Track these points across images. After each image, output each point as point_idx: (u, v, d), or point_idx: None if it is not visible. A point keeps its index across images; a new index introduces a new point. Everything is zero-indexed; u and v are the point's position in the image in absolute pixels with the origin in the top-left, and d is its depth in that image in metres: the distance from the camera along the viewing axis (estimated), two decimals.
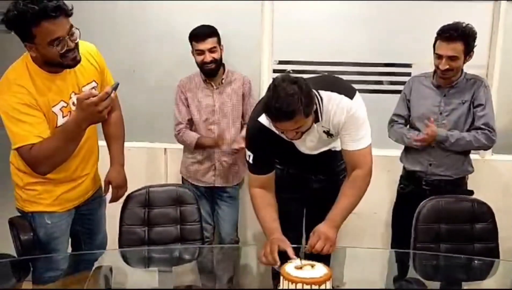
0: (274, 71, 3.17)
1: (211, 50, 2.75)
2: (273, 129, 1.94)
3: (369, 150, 2.08)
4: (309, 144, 2.11)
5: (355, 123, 2.02)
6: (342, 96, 1.99)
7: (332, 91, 1.99)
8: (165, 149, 3.29)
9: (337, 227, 2.04)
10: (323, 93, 1.99)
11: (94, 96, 1.71)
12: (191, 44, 2.80)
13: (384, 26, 3.06)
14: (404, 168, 2.75)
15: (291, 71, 3.15)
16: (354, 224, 2.59)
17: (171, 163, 3.28)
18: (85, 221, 2.28)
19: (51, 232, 2.13)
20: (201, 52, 2.76)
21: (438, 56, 2.47)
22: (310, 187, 2.35)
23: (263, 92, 3.14)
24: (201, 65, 2.79)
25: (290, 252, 1.90)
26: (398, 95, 2.80)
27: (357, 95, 2.03)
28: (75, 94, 1.99)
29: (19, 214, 2.18)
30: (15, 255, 2.15)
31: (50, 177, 2.03)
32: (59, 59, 1.84)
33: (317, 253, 1.96)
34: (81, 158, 2.12)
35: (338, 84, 2.06)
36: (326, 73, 2.98)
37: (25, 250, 2.12)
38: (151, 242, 2.45)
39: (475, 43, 2.48)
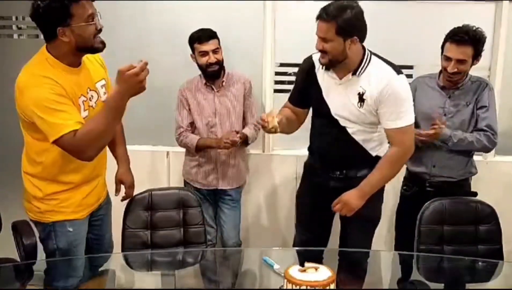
0: (276, 73, 3.18)
1: (215, 51, 2.76)
2: (319, 72, 2.26)
3: (408, 130, 2.20)
4: (337, 98, 2.23)
5: (394, 98, 2.14)
6: (390, 68, 2.17)
7: (383, 61, 2.19)
8: (167, 152, 3.29)
9: (362, 195, 2.24)
10: (375, 59, 2.19)
11: (134, 67, 1.75)
12: (193, 47, 2.80)
13: (386, 28, 3.05)
14: (407, 169, 2.74)
15: (293, 74, 3.15)
16: None
17: (174, 166, 3.28)
18: (94, 227, 2.28)
19: (72, 239, 2.12)
20: (205, 53, 2.75)
21: (447, 58, 2.46)
22: (328, 187, 2.36)
23: (265, 94, 3.18)
24: (205, 67, 2.78)
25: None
26: None
27: (403, 76, 2.18)
28: (91, 90, 2.04)
29: (22, 219, 2.18)
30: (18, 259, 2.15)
31: (70, 181, 2.04)
32: (92, 40, 1.90)
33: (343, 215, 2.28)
34: (97, 158, 2.09)
35: (390, 61, 2.22)
36: None
37: (28, 255, 2.12)
38: (154, 246, 2.45)
39: (483, 48, 2.47)
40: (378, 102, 2.16)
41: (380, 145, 2.33)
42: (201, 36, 2.76)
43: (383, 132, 2.29)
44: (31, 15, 1.87)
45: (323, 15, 2.08)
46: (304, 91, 2.37)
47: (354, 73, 2.18)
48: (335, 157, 2.34)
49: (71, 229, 2.10)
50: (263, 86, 3.16)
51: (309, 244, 2.50)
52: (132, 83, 1.76)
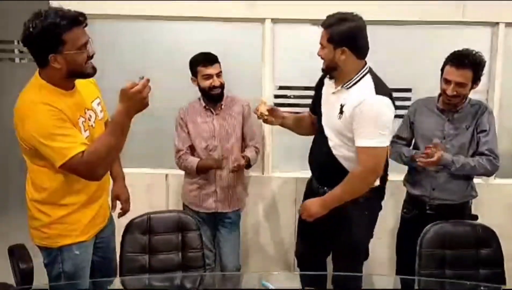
0: (275, 96, 3.19)
1: (218, 75, 2.78)
2: (326, 80, 2.39)
3: (371, 151, 2.18)
4: (328, 106, 2.33)
5: (364, 117, 2.16)
6: (373, 87, 2.20)
7: (374, 80, 2.23)
8: (166, 175, 3.28)
9: (323, 205, 2.31)
10: (367, 77, 2.24)
11: (137, 84, 1.78)
12: (195, 70, 2.80)
13: (384, 51, 3.08)
14: (407, 192, 2.73)
15: (292, 96, 3.17)
16: None
17: (173, 189, 3.27)
18: (99, 249, 2.26)
19: (79, 262, 2.11)
20: (209, 77, 2.77)
21: (446, 81, 2.46)
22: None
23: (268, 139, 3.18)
24: (208, 90, 2.79)
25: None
26: (399, 120, 2.81)
27: (385, 98, 2.18)
28: (88, 110, 2.06)
29: (18, 243, 2.16)
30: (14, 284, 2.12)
31: (76, 202, 2.04)
32: (83, 66, 1.92)
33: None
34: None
35: (381, 82, 2.26)
36: None
37: (24, 280, 2.09)
38: (152, 270, 2.41)
39: (483, 72, 2.49)
40: (351, 117, 2.19)
41: None
42: (206, 60, 2.77)
43: None
44: (22, 40, 1.86)
45: (324, 23, 2.25)
46: (316, 98, 2.49)
47: (344, 86, 2.25)
48: (319, 170, 2.43)
49: (77, 252, 2.09)
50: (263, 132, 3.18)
51: (306, 256, 2.60)
52: (136, 100, 1.79)
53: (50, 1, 2.95)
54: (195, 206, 2.93)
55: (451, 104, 2.52)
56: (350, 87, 2.25)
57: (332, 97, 2.33)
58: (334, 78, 2.33)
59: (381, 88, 2.22)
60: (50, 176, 1.98)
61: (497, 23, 3.00)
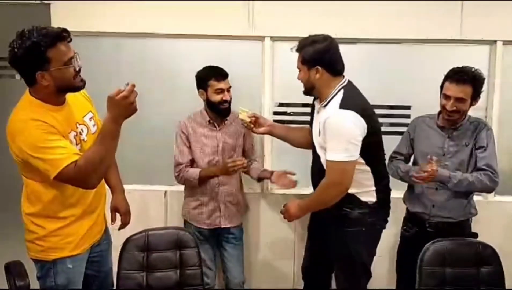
0: (274, 113, 3.20)
1: (228, 90, 2.79)
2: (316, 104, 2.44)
3: (337, 167, 2.23)
4: (314, 124, 2.41)
5: (328, 131, 2.23)
6: (338, 102, 2.25)
7: (344, 96, 2.26)
8: (165, 191, 3.27)
9: (300, 208, 2.43)
10: (339, 94, 2.28)
11: (122, 91, 1.79)
12: (206, 83, 2.78)
13: (384, 69, 3.11)
14: (407, 209, 2.72)
15: (291, 113, 3.18)
16: None
17: (171, 206, 3.25)
18: (94, 263, 2.25)
19: (72, 276, 2.10)
20: (221, 91, 2.76)
21: (446, 97, 2.48)
22: (320, 216, 2.46)
23: (266, 148, 3.18)
24: (218, 104, 2.77)
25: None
26: (398, 136, 2.81)
27: (348, 111, 2.21)
28: (79, 124, 2.07)
29: (15, 260, 2.15)
30: None
31: (71, 215, 2.04)
32: (72, 80, 1.94)
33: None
34: (95, 189, 2.10)
35: (351, 97, 2.28)
36: None
37: None
38: (149, 288, 2.39)
39: (482, 89, 2.50)
40: (323, 134, 2.27)
41: (355, 182, 2.29)
42: (219, 74, 2.78)
43: (361, 170, 2.30)
44: (9, 61, 1.89)
45: (297, 46, 2.37)
46: (311, 116, 2.56)
47: (321, 105, 2.33)
48: (315, 186, 2.44)
49: (71, 266, 2.09)
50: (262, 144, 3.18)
51: (311, 270, 2.64)
52: (123, 106, 1.80)
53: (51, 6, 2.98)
54: (198, 223, 2.89)
55: (451, 120, 2.53)
56: (326, 104, 2.31)
57: (317, 116, 2.40)
58: (317, 98, 2.42)
59: (346, 102, 2.24)
60: (44, 190, 1.99)
61: (495, 41, 3.02)
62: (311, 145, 2.53)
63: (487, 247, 2.37)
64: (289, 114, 3.18)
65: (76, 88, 1.99)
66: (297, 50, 2.36)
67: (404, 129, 2.83)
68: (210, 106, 2.82)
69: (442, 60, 3.05)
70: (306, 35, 2.52)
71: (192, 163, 2.88)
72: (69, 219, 2.06)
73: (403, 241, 2.75)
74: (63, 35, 1.89)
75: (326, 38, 2.33)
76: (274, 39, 3.11)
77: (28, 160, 1.88)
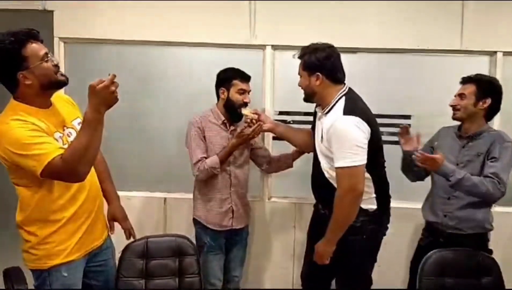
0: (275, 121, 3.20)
1: (248, 93, 2.80)
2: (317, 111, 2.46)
3: (346, 172, 2.21)
4: (316, 131, 2.42)
5: (335, 138, 2.23)
6: (342, 108, 2.26)
7: (346, 102, 2.28)
8: (165, 198, 3.27)
9: (327, 242, 2.32)
10: (341, 101, 2.30)
11: (103, 81, 1.81)
12: (231, 82, 2.76)
13: (384, 79, 3.12)
14: (425, 219, 2.69)
15: (292, 122, 3.18)
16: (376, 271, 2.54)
17: (171, 213, 3.24)
18: (97, 273, 2.24)
19: (68, 284, 2.08)
20: (243, 92, 2.76)
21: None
22: (321, 224, 2.42)
23: (265, 142, 3.19)
24: (237, 105, 2.74)
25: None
26: (398, 146, 2.81)
27: (352, 117, 2.22)
28: (67, 127, 2.08)
29: (14, 265, 2.14)
30: None
31: (61, 217, 2.03)
32: (54, 75, 1.96)
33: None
34: (86, 192, 2.10)
35: (353, 103, 2.30)
36: None
37: None
38: None
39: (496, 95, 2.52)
40: (328, 141, 2.27)
41: None
42: (244, 75, 2.79)
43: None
44: None
45: (299, 54, 2.41)
46: (313, 123, 2.59)
47: (323, 112, 2.35)
48: (317, 193, 2.48)
49: (66, 274, 2.07)
50: (263, 133, 3.18)
51: (311, 278, 2.61)
52: (104, 95, 1.81)
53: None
54: (213, 225, 2.82)
55: (455, 118, 2.57)
56: (328, 112, 2.32)
57: (318, 123, 2.42)
58: (317, 105, 2.45)
59: (350, 108, 2.25)
60: (32, 193, 1.98)
61: (495, 52, 3.03)
62: (309, 148, 2.57)
63: (487, 258, 2.37)
64: (289, 122, 3.19)
65: (60, 83, 2.01)
66: (299, 57, 2.40)
67: None
68: (229, 105, 2.78)
69: (443, 70, 3.07)
70: (307, 44, 2.54)
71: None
72: (60, 222, 2.04)
73: (417, 250, 2.70)
74: (32, 33, 1.93)
75: (328, 46, 2.36)
76: (275, 48, 3.14)
77: (14, 160, 1.88)
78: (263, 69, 3.15)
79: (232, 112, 2.79)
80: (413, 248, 2.76)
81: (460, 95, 2.55)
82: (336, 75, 2.35)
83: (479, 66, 3.04)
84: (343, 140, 2.21)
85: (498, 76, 3.03)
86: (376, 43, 3.05)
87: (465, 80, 2.57)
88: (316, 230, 2.50)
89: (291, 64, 3.12)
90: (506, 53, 3.04)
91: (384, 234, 2.45)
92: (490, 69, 3.06)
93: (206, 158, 2.74)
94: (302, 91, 2.43)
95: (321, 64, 2.32)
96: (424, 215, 2.67)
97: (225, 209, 2.82)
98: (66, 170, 1.87)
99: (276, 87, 3.18)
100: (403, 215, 2.88)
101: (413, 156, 2.46)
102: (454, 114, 2.58)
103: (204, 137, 2.78)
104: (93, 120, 1.85)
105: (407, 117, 3.14)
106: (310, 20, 3.05)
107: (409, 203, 3.01)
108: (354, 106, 2.27)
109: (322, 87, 2.34)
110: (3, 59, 1.88)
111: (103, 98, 1.81)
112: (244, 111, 2.69)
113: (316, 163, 2.44)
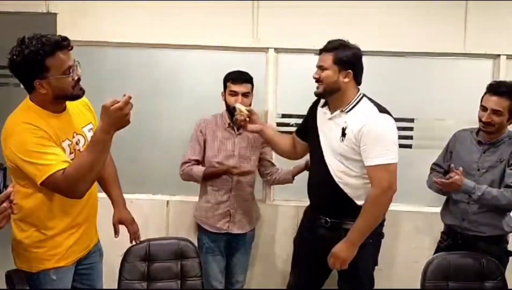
0: (278, 124, 3.20)
1: (245, 95, 2.74)
2: (319, 108, 2.40)
3: (384, 168, 2.18)
4: (326, 132, 2.33)
5: (372, 135, 2.19)
6: (375, 107, 2.26)
7: (372, 102, 2.29)
8: (167, 201, 3.26)
9: (351, 245, 2.23)
10: (364, 99, 2.30)
11: (118, 101, 1.77)
12: (225, 85, 2.77)
13: (388, 81, 3.11)
14: (444, 222, 2.68)
15: (294, 124, 3.18)
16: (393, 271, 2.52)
17: (173, 216, 3.24)
18: (84, 276, 2.22)
19: (57, 287, 2.06)
20: (234, 94, 2.73)
21: (483, 109, 2.46)
22: (317, 234, 2.38)
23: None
24: (231, 108, 2.71)
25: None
26: (401, 149, 2.78)
27: (389, 116, 2.24)
28: (77, 134, 2.05)
29: (15, 268, 2.13)
30: None
31: (56, 226, 2.01)
32: (71, 90, 1.93)
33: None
34: (84, 202, 2.08)
35: (378, 103, 2.30)
36: None
37: None
38: None
39: None
40: (358, 138, 2.21)
41: (364, 194, 2.27)
42: (236, 76, 2.75)
43: (369, 181, 2.26)
44: (8, 67, 1.90)
45: (326, 47, 2.31)
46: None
47: (343, 110, 2.28)
48: (319, 199, 2.40)
49: (54, 277, 2.05)
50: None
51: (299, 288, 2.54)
52: (116, 117, 1.77)
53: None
54: (210, 227, 2.82)
55: (486, 131, 2.48)
56: (349, 110, 2.28)
57: (329, 123, 2.34)
58: (329, 103, 2.36)
59: (382, 108, 2.28)
60: (29, 195, 1.97)
61: (498, 55, 3.03)
62: (294, 155, 2.58)
63: (490, 261, 2.35)
64: (292, 125, 3.18)
65: (74, 97, 1.98)
66: (327, 50, 2.29)
67: (407, 141, 2.82)
68: (227, 108, 2.79)
69: (446, 73, 3.07)
70: (309, 47, 2.57)
71: (199, 163, 2.82)
72: (55, 229, 2.02)
73: (437, 252, 2.65)
74: (62, 43, 1.87)
75: (355, 45, 2.32)
76: (278, 50, 3.14)
77: (17, 164, 1.87)
78: (265, 72, 3.15)
79: (232, 115, 2.77)
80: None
81: (495, 112, 2.40)
82: (360, 77, 2.33)
83: (482, 70, 3.04)
84: (381, 138, 2.20)
85: (501, 79, 3.03)
86: (379, 46, 3.04)
87: (498, 92, 2.41)
88: (310, 241, 2.43)
89: (294, 67, 3.15)
90: (509, 56, 3.03)
91: (383, 236, 2.44)
92: (494, 72, 3.05)
93: (198, 161, 2.77)
94: (316, 84, 2.34)
95: (356, 62, 2.29)
96: (443, 219, 2.66)
97: (221, 212, 2.81)
98: (66, 186, 1.86)
99: (279, 90, 3.18)
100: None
101: (433, 184, 2.48)
102: (485, 127, 2.46)
103: (205, 141, 2.79)
104: (101, 141, 1.83)
105: (410, 120, 3.13)
106: (313, 22, 3.05)
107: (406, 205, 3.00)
108: (383, 106, 2.28)
109: (348, 85, 2.28)
110: (25, 64, 1.85)
111: (115, 119, 1.78)
112: (238, 105, 2.61)
113: (320, 169, 2.35)
